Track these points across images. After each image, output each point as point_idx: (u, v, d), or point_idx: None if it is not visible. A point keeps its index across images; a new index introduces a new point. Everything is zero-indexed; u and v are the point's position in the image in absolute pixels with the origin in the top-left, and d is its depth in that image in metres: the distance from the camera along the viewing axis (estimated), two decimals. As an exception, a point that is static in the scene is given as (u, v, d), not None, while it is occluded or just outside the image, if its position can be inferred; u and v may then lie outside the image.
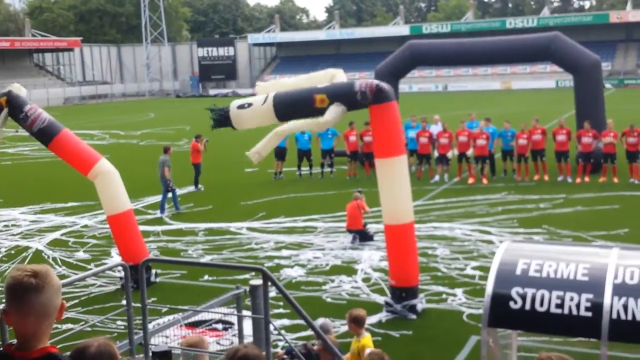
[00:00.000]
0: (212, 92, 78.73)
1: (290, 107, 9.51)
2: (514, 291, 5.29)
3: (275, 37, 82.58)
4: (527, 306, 5.21)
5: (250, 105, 9.61)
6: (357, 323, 6.94)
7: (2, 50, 67.85)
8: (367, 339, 6.96)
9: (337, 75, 9.93)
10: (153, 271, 11.29)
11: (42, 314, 2.51)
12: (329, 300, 10.23)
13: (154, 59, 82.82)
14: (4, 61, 68.52)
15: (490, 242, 12.95)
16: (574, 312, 5.10)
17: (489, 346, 5.64)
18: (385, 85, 9.42)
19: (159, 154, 16.92)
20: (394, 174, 9.45)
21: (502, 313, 5.31)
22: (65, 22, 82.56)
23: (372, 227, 13.74)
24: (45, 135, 10.61)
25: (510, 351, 6.24)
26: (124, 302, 9.77)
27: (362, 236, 13.39)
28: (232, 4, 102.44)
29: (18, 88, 10.81)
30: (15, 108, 10.39)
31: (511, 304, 5.26)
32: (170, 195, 16.64)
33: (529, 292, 5.25)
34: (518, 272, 5.41)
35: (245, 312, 6.40)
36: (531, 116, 21.17)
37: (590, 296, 5.07)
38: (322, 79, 9.86)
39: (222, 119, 9.73)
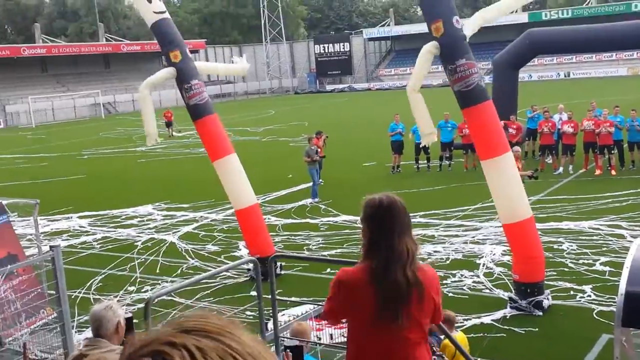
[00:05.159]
0: (328, 87, 79.68)
1: None
2: (650, 289, 5.07)
3: (390, 30, 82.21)
4: (665, 305, 4.99)
5: None
6: (448, 324, 6.86)
7: (133, 53, 72.00)
8: (460, 335, 6.86)
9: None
10: (278, 264, 11.71)
11: None
12: (450, 295, 10.18)
13: (273, 58, 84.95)
14: (136, 63, 72.69)
15: (621, 236, 12.36)
16: None
17: (622, 345, 5.45)
18: (476, 88, 9.16)
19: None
20: (501, 173, 9.23)
21: (637, 312, 5.11)
22: (190, 26, 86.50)
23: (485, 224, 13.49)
24: (198, 111, 11.28)
25: (646, 351, 5.99)
26: (252, 292, 10.27)
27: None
28: (347, 1, 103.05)
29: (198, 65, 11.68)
30: (184, 76, 11.13)
31: (647, 302, 5.05)
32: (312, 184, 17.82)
33: (666, 290, 5.03)
34: (654, 269, 5.19)
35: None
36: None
37: None
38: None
39: None
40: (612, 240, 12.19)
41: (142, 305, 10.17)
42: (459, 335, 6.89)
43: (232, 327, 1.09)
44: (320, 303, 7.28)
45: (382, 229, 3.45)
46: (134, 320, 5.80)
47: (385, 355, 3.43)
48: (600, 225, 13.26)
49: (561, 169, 19.27)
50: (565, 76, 65.92)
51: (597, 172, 18.65)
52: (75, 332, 8.84)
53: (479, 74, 9.29)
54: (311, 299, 9.59)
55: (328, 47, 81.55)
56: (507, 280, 10.40)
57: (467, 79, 9.07)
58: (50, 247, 8.01)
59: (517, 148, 14.74)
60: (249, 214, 11.45)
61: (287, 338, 5.41)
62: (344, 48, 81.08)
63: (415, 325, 3.46)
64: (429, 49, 9.22)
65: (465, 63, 9.04)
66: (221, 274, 11.76)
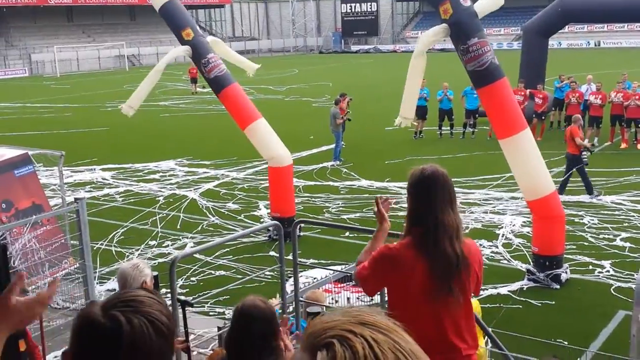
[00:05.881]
0: (354, 47, 78.92)
1: None
2: (671, 269, 5.06)
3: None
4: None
5: None
6: None
7: (158, 7, 71.52)
8: (474, 302, 6.87)
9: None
10: (298, 225, 11.78)
11: None
12: (468, 263, 10.18)
13: (298, 15, 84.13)
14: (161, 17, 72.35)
15: (643, 213, 12.26)
16: None
17: (639, 324, 5.45)
18: (490, 67, 8.90)
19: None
20: (521, 151, 9.07)
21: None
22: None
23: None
24: (219, 83, 11.38)
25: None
26: (271, 253, 10.38)
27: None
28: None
29: (214, 41, 11.90)
30: (199, 52, 11.28)
31: (667, 282, 5.04)
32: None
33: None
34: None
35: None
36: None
37: None
38: None
39: None
40: (634, 216, 12.09)
41: (162, 260, 10.35)
42: (472, 302, 6.91)
43: (397, 327, 1.21)
44: (337, 269, 7.34)
45: (427, 200, 3.42)
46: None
47: (439, 328, 3.46)
48: (623, 200, 13.14)
49: (586, 140, 19.01)
50: (595, 45, 64.66)
51: (623, 145, 18.41)
52: (97, 283, 9.02)
53: (492, 52, 9.01)
54: (329, 261, 9.68)
55: (355, 6, 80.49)
56: (525, 252, 10.39)
57: (480, 58, 8.78)
58: (75, 199, 8.12)
59: (577, 116, 14.73)
60: (283, 173, 11.55)
61: (307, 302, 5.48)
62: (371, 8, 80.00)
63: (464, 298, 3.52)
64: (434, 37, 8.99)
65: (477, 42, 8.76)
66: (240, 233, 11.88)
